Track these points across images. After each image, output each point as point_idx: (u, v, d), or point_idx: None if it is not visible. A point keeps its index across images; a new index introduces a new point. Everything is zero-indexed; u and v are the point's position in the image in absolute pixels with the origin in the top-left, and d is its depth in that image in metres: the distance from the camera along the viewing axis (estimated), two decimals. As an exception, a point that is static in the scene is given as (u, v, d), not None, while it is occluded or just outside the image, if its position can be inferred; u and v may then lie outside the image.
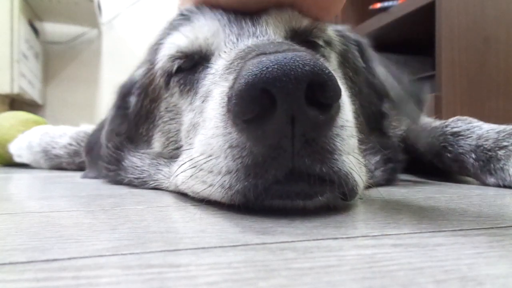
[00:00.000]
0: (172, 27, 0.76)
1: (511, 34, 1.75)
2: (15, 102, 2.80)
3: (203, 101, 0.60)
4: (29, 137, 1.29)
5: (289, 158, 0.44)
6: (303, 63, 0.41)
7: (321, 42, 0.74)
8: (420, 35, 2.01)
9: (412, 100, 0.85)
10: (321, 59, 0.48)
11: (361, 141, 0.75)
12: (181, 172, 0.59)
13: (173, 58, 0.71)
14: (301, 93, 0.41)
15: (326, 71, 0.42)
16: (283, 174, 0.44)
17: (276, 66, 0.41)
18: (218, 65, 0.61)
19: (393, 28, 2.07)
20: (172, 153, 0.71)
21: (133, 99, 0.86)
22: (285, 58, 0.41)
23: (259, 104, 0.42)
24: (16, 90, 2.47)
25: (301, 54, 0.42)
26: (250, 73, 0.41)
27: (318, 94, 0.42)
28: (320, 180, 0.45)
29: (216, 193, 0.49)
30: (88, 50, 3.40)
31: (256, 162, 0.44)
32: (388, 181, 0.77)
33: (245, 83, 0.41)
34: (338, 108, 0.45)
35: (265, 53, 0.45)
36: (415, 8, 1.84)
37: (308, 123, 0.43)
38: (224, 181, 0.47)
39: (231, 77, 0.49)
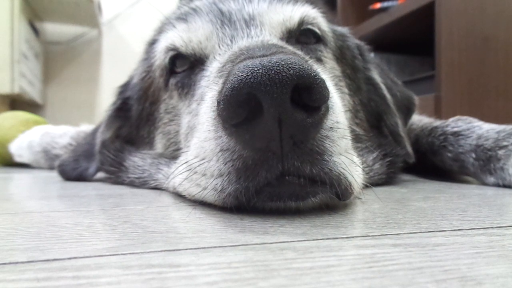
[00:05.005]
0: (168, 25, 0.76)
1: (510, 34, 1.75)
2: (16, 102, 2.80)
3: (198, 104, 0.61)
4: (30, 137, 1.29)
5: (278, 161, 0.44)
6: (287, 67, 0.41)
7: (316, 29, 0.74)
8: (420, 35, 2.01)
9: (401, 111, 0.86)
10: (309, 61, 0.48)
11: (360, 139, 0.75)
12: (178, 174, 0.59)
13: (168, 49, 0.72)
14: (287, 97, 0.41)
15: (312, 74, 0.42)
16: (274, 177, 0.45)
17: (261, 71, 0.41)
18: (212, 67, 0.62)
19: (393, 28, 2.07)
20: (173, 154, 0.72)
21: (133, 102, 0.86)
22: (270, 62, 0.41)
23: (246, 108, 0.42)
24: (16, 90, 2.47)
25: (287, 57, 0.42)
26: (236, 78, 0.41)
27: (305, 97, 0.42)
28: (311, 182, 0.45)
29: (209, 195, 0.50)
30: (88, 50, 3.40)
31: (246, 165, 0.45)
32: (389, 175, 0.77)
33: (231, 88, 0.42)
34: (326, 110, 0.46)
35: (252, 57, 0.45)
36: (415, 8, 1.84)
37: (296, 126, 0.43)
38: (216, 184, 0.48)
39: (221, 80, 0.50)
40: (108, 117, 0.88)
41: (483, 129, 0.79)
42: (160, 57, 0.74)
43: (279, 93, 0.41)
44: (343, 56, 0.83)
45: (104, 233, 0.40)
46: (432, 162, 0.88)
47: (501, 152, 0.73)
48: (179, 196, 0.63)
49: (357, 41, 0.89)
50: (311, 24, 0.74)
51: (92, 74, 3.41)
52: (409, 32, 2.06)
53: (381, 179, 0.75)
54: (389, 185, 0.76)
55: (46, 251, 0.32)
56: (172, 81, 0.73)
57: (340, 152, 0.47)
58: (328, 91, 0.44)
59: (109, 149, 0.84)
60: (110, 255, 0.31)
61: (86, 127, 1.29)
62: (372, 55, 0.92)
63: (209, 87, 0.55)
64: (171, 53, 0.72)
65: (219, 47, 0.66)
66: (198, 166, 0.51)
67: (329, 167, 0.45)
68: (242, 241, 0.36)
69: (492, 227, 0.41)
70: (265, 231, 0.39)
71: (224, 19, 0.69)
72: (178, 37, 0.71)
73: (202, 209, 0.52)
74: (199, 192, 0.51)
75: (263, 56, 0.44)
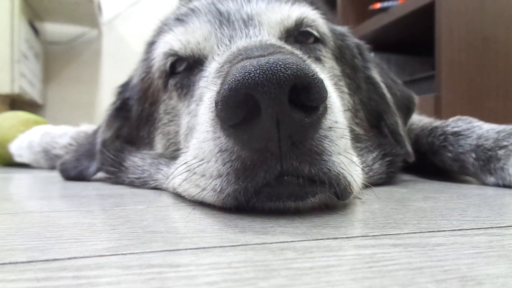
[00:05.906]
0: (166, 27, 0.77)
1: (510, 34, 1.75)
2: (16, 102, 2.80)
3: (197, 104, 0.61)
4: (30, 137, 1.29)
5: (277, 161, 0.44)
6: (285, 67, 0.41)
7: (314, 32, 0.74)
8: (420, 35, 2.01)
9: (401, 111, 0.85)
10: (307, 61, 0.48)
11: (360, 138, 0.75)
12: (178, 175, 0.59)
13: (167, 55, 0.72)
14: (284, 97, 0.41)
15: (310, 74, 0.42)
16: (273, 177, 0.45)
17: (258, 71, 0.41)
18: (211, 68, 0.62)
19: (393, 28, 2.07)
20: (173, 154, 0.72)
21: (133, 103, 0.86)
22: (267, 63, 0.41)
23: (244, 108, 0.42)
24: (16, 90, 2.47)
25: (284, 58, 0.42)
26: (233, 79, 0.41)
27: (303, 97, 0.42)
28: (310, 182, 0.45)
29: (208, 196, 0.50)
30: (88, 50, 3.40)
31: (245, 166, 0.45)
32: (388, 175, 0.76)
33: (229, 89, 0.42)
34: (325, 110, 0.46)
35: (250, 57, 0.45)
36: (415, 8, 1.84)
37: (294, 126, 0.43)
38: (216, 184, 0.48)
39: (219, 81, 0.50)
40: (108, 116, 0.89)
41: (483, 129, 0.79)
42: (159, 60, 0.74)
43: (277, 93, 0.41)
44: (343, 56, 0.83)
45: (104, 233, 0.40)
46: (432, 162, 0.88)
47: (501, 152, 0.73)
48: (179, 196, 0.63)
49: (357, 40, 0.89)
50: (310, 26, 0.74)
51: (92, 74, 3.40)
52: (409, 32, 2.06)
53: (381, 179, 0.74)
54: (389, 185, 0.76)
55: (46, 251, 0.32)
56: (172, 82, 0.73)
57: (339, 151, 0.47)
58: (327, 90, 0.44)
59: (109, 149, 0.84)
60: (110, 255, 0.31)
61: (86, 127, 1.29)
62: (372, 55, 0.92)
63: (208, 87, 0.55)
64: (171, 59, 0.72)
65: (218, 47, 0.66)
66: (197, 167, 0.51)
67: (328, 167, 0.45)
68: (242, 241, 0.36)
69: (492, 227, 0.41)
70: (265, 231, 0.39)
71: (223, 19, 0.69)
72: (177, 40, 0.71)
73: (202, 209, 0.52)
74: (199, 192, 0.52)
75: (261, 56, 0.44)
